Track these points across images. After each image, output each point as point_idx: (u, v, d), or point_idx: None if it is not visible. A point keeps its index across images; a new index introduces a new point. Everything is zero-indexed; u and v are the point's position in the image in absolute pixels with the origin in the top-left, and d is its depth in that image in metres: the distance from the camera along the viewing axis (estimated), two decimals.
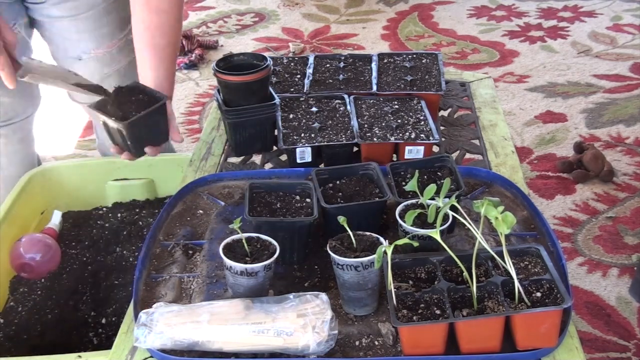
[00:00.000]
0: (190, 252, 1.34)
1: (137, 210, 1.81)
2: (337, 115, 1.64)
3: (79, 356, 1.26)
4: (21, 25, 1.66)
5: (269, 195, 1.34)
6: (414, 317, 1.06)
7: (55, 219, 1.75)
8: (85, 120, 2.96)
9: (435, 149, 1.63)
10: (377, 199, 1.32)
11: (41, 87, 1.79)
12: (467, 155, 1.63)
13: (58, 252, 1.62)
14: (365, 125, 1.60)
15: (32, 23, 1.72)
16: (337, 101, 1.70)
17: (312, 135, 1.57)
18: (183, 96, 3.20)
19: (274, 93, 1.61)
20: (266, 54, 1.63)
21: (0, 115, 1.71)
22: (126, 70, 1.81)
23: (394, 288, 1.09)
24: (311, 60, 1.88)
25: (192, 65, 3.40)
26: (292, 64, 1.89)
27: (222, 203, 1.46)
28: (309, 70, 1.83)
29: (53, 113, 2.76)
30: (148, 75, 1.49)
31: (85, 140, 2.86)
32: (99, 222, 1.78)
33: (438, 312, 1.07)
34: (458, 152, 1.63)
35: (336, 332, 1.08)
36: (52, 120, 2.83)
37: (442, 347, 1.07)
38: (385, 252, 1.09)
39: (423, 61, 1.86)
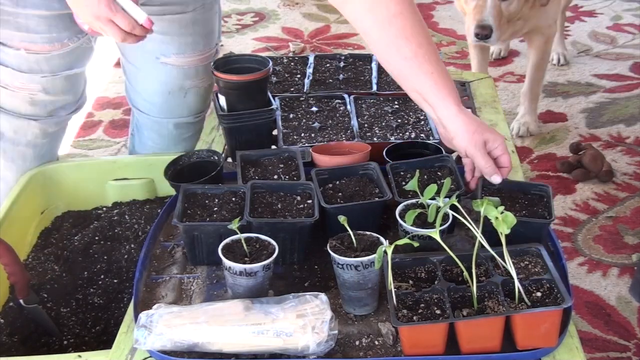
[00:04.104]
0: None
1: (137, 210, 1.81)
2: (337, 115, 1.64)
3: (79, 356, 1.26)
4: None
5: (270, 196, 1.34)
6: (414, 317, 1.06)
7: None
8: (83, 119, 2.95)
9: None
10: (377, 199, 1.32)
11: None
12: None
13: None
14: (365, 125, 1.59)
15: None
16: (337, 101, 1.70)
17: (312, 135, 1.57)
18: None
19: (272, 98, 1.60)
20: (266, 54, 1.62)
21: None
22: (204, 92, 1.78)
23: (394, 288, 1.09)
24: (311, 60, 1.88)
25: None
26: (292, 63, 1.89)
27: None
28: (309, 70, 1.83)
29: None
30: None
31: (85, 140, 2.85)
32: (98, 222, 1.77)
33: (438, 312, 1.07)
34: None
35: (336, 332, 1.08)
36: None
37: (442, 347, 1.07)
38: (385, 252, 1.09)
39: None
